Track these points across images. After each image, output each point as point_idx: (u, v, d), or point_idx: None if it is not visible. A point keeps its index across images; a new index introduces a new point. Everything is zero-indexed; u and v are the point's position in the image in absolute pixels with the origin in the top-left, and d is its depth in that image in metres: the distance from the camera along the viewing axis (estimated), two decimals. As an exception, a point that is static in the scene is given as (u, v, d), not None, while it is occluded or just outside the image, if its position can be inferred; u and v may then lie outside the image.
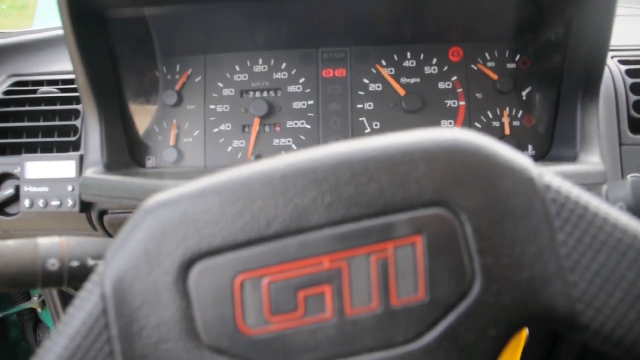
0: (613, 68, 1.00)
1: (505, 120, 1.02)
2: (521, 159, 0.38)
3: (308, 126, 1.05)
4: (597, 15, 0.83)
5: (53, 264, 0.57)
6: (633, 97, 0.97)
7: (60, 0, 0.83)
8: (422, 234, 0.36)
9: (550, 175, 0.38)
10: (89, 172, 0.91)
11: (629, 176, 0.94)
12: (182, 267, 0.36)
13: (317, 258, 0.36)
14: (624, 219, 0.38)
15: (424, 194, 0.37)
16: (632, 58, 1.02)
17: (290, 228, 0.36)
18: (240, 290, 0.36)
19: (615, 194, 0.61)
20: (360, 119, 1.04)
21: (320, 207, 0.37)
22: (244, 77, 1.07)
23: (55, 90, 1.12)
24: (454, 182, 0.37)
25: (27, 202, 0.99)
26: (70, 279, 0.58)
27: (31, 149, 1.06)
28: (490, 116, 1.03)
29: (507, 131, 1.01)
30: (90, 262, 0.58)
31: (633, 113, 0.96)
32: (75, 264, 0.57)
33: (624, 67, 1.00)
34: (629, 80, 0.98)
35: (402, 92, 1.04)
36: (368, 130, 1.04)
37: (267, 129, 1.06)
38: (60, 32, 1.31)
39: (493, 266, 0.36)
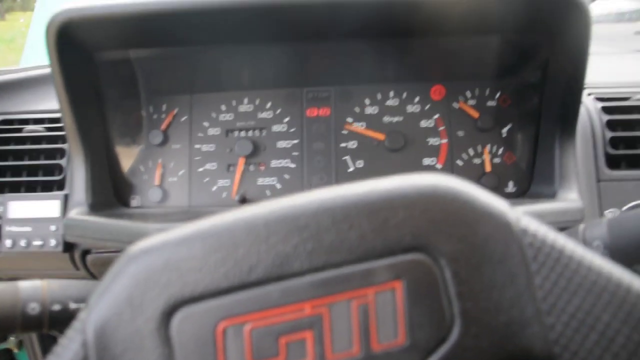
0: (589, 105, 1.03)
1: (486, 157, 1.04)
2: (498, 204, 0.39)
3: (292, 165, 1.06)
4: (571, 57, 0.86)
5: (34, 308, 0.56)
6: (609, 134, 0.99)
7: (49, 42, 0.84)
8: (401, 279, 0.37)
9: (527, 220, 0.39)
10: (73, 213, 0.91)
11: (606, 212, 0.95)
12: (165, 314, 0.36)
13: (299, 304, 0.37)
14: (598, 262, 0.39)
15: (404, 240, 0.38)
16: (607, 95, 1.05)
17: (272, 275, 0.37)
18: (223, 336, 0.36)
19: (592, 232, 0.63)
20: (344, 157, 1.05)
21: (302, 254, 0.37)
22: (230, 116, 1.08)
23: (42, 128, 1.12)
24: (433, 228, 0.38)
25: (8, 242, 0.98)
26: (51, 323, 0.58)
27: (15, 187, 1.05)
28: (472, 154, 1.04)
29: (488, 168, 1.03)
30: (73, 305, 0.58)
31: (609, 149, 0.98)
32: (56, 307, 0.57)
33: (600, 104, 1.03)
34: (605, 117, 1.00)
35: (381, 137, 1.05)
36: (351, 168, 1.05)
37: (251, 168, 1.07)
38: (47, 70, 1.33)
39: (472, 310, 0.37)
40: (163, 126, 1.08)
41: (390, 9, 0.86)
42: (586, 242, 0.62)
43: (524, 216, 0.40)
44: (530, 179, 1.00)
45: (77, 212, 0.91)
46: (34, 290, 0.57)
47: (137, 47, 0.98)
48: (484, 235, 0.38)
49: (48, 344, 1.43)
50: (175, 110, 1.08)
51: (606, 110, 1.02)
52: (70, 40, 0.86)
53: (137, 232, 0.78)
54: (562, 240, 0.39)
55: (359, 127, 1.07)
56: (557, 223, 0.80)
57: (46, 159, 1.07)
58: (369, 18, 0.89)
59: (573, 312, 0.37)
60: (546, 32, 0.89)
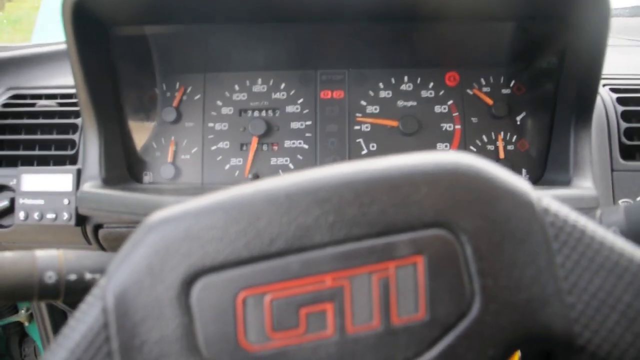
0: (605, 96, 1.02)
1: (500, 144, 1.03)
2: (520, 183, 0.39)
3: (305, 146, 1.06)
4: (589, 44, 0.85)
5: (50, 277, 0.56)
6: (624, 125, 0.98)
7: (64, 17, 0.84)
8: (423, 254, 0.37)
9: (549, 199, 0.39)
10: (86, 186, 0.91)
11: (620, 201, 0.95)
12: (185, 283, 0.36)
13: (320, 276, 0.37)
14: (620, 243, 0.39)
15: (425, 216, 0.38)
16: (622, 87, 1.05)
17: (293, 246, 0.37)
18: (243, 306, 0.36)
19: (609, 218, 0.62)
20: (357, 140, 1.05)
21: (324, 227, 0.37)
22: (243, 96, 1.08)
23: (54, 103, 1.12)
24: (455, 205, 0.38)
25: (22, 215, 0.98)
26: (67, 292, 0.58)
27: (28, 161, 1.06)
28: (485, 140, 1.04)
29: (501, 155, 1.03)
30: (88, 275, 0.58)
31: (624, 140, 0.98)
32: (72, 277, 0.57)
33: (615, 95, 1.02)
34: (620, 108, 1.00)
35: (394, 124, 1.05)
36: (365, 151, 1.05)
37: (264, 148, 1.07)
38: (59, 47, 1.33)
39: (492, 287, 0.37)
40: (175, 103, 1.08)
41: None
42: None
43: (545, 196, 0.40)
44: (543, 166, 0.99)
45: (91, 186, 0.91)
46: (50, 260, 0.57)
47: (152, 23, 0.98)
48: (506, 213, 0.38)
49: (58, 318, 1.44)
50: (189, 88, 1.08)
51: (621, 101, 1.01)
52: (85, 14, 0.86)
53: (152, 205, 0.78)
54: (583, 221, 0.39)
55: (371, 116, 1.06)
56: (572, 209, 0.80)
57: (59, 133, 1.07)
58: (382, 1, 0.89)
59: (594, 292, 0.37)
60: (564, 21, 0.88)
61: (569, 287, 0.37)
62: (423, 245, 0.37)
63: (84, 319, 0.37)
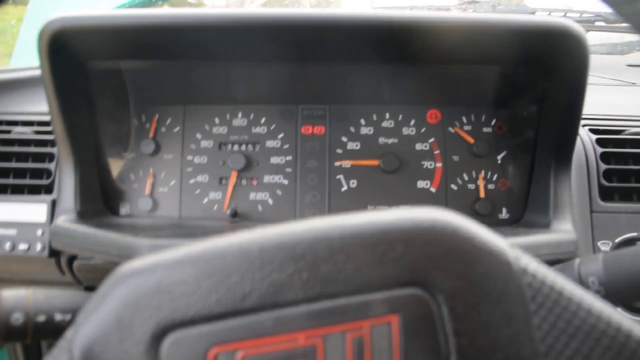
0: (584, 137, 1.03)
1: (481, 183, 1.04)
2: (498, 242, 0.39)
3: (285, 182, 1.05)
4: (568, 91, 0.86)
5: (17, 319, 0.55)
6: (603, 166, 0.99)
7: (41, 49, 0.83)
8: (398, 313, 0.36)
9: (527, 259, 0.39)
10: (61, 220, 0.89)
11: (599, 243, 0.95)
12: (155, 337, 0.35)
13: (293, 334, 0.36)
14: (598, 305, 0.38)
15: (401, 275, 0.37)
16: (602, 127, 1.06)
17: (266, 303, 0.36)
18: None
19: (587, 268, 0.62)
20: (338, 177, 1.05)
21: (297, 284, 0.36)
22: (223, 129, 1.07)
23: (30, 131, 1.10)
24: (431, 264, 0.37)
25: (-7, 245, 0.96)
26: (34, 334, 0.56)
27: (2, 190, 1.03)
28: (466, 178, 1.04)
29: (482, 194, 1.03)
30: (58, 317, 0.56)
31: (603, 181, 0.98)
32: (41, 318, 0.56)
33: (594, 137, 1.03)
34: (599, 150, 1.01)
35: (375, 163, 1.05)
36: (345, 188, 1.04)
37: (244, 182, 1.05)
38: (38, 72, 1.30)
39: (467, 347, 0.36)
40: (151, 134, 1.06)
41: (388, 37, 0.87)
42: (581, 278, 0.62)
43: (523, 255, 0.40)
44: (524, 206, 1.00)
45: (65, 220, 0.89)
46: (17, 300, 0.55)
47: (130, 58, 0.97)
48: (483, 273, 0.38)
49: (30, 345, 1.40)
50: (168, 120, 1.07)
51: (600, 142, 1.02)
52: (62, 48, 0.85)
53: (126, 246, 0.77)
54: (561, 282, 0.39)
55: (352, 154, 1.06)
56: (551, 255, 0.80)
57: (34, 161, 1.05)
58: (366, 44, 0.89)
59: (571, 355, 0.36)
60: (544, 64, 0.89)
61: (546, 349, 0.37)
62: (398, 304, 0.37)
63: None
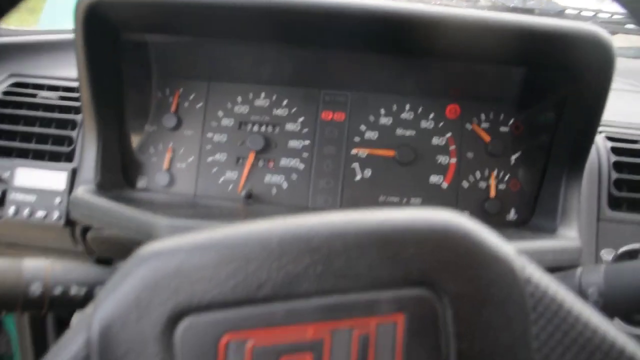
0: (599, 143, 1.04)
1: (492, 182, 1.04)
2: (506, 250, 0.40)
3: (301, 166, 1.06)
4: (589, 99, 0.86)
5: (35, 290, 0.57)
6: (615, 175, 1.00)
7: (76, 20, 0.84)
8: (404, 312, 0.38)
9: (532, 269, 0.40)
10: (80, 191, 0.91)
11: (602, 251, 0.96)
12: (171, 320, 0.37)
13: (302, 326, 0.38)
14: (596, 319, 0.40)
15: (411, 275, 0.39)
16: (618, 135, 1.06)
17: (280, 293, 0.38)
18: (225, 351, 0.37)
19: (588, 278, 0.64)
20: (353, 165, 1.06)
21: (312, 276, 0.38)
22: (245, 109, 1.08)
23: (55, 96, 1.12)
24: (441, 267, 0.39)
25: (12, 210, 0.98)
26: (50, 305, 0.58)
27: (23, 154, 1.05)
28: (478, 177, 1.05)
29: (492, 193, 1.04)
30: (74, 289, 0.59)
31: (613, 190, 0.99)
32: (58, 290, 0.58)
33: (610, 144, 1.03)
34: (613, 158, 1.01)
35: (390, 154, 1.06)
36: (358, 177, 1.06)
37: (260, 163, 1.07)
38: (66, 36, 1.32)
39: (467, 351, 0.38)
40: (173, 108, 1.08)
41: (408, 31, 0.87)
42: (581, 287, 0.63)
43: (529, 264, 0.41)
44: (532, 209, 1.01)
45: (84, 191, 0.91)
46: (37, 271, 0.58)
47: (162, 32, 0.98)
48: (489, 279, 0.39)
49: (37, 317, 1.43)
50: (192, 96, 1.08)
51: (615, 151, 1.02)
52: (97, 19, 0.86)
53: (146, 223, 0.78)
54: (562, 293, 0.40)
55: (369, 143, 1.07)
56: (554, 262, 0.81)
57: (57, 128, 1.07)
58: (388, 37, 0.90)
59: None
60: (569, 70, 0.89)
61: (541, 358, 0.38)
62: (405, 303, 0.38)
63: (68, 348, 0.37)
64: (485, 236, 0.41)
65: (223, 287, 0.38)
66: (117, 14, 0.88)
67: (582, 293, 0.63)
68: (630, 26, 1.64)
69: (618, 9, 1.67)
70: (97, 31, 0.88)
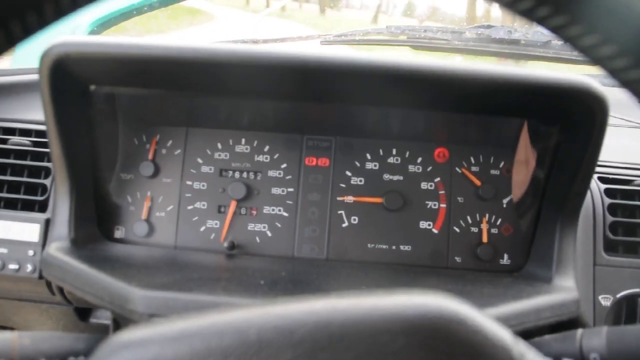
0: (593, 185, 1.01)
1: (484, 227, 1.01)
2: (503, 338, 0.37)
3: (285, 214, 1.03)
4: (583, 147, 0.84)
5: None
6: (610, 218, 0.97)
7: (42, 73, 0.81)
8: None
9: (531, 356, 0.37)
10: (53, 248, 0.86)
11: (600, 297, 0.93)
12: None
13: None
14: None
15: None
16: (611, 176, 1.03)
17: None
18: None
19: (589, 342, 0.60)
20: (339, 212, 1.03)
21: None
22: (225, 155, 1.05)
23: (28, 142, 1.07)
24: (434, 358, 0.36)
25: (-19, 263, 0.94)
26: None
27: (-6, 202, 1.01)
28: (470, 221, 1.02)
29: (484, 239, 1.01)
30: None
31: (609, 234, 0.96)
32: None
33: (603, 186, 1.01)
34: (607, 201, 0.98)
35: (378, 201, 1.03)
36: (346, 224, 1.02)
37: (243, 211, 1.03)
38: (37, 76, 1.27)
39: None
40: (150, 156, 1.04)
41: (404, 85, 0.85)
42: (583, 352, 0.60)
43: (527, 351, 0.38)
44: (526, 254, 0.98)
45: (57, 248, 0.86)
46: (3, 344, 0.54)
47: (133, 86, 0.95)
48: None
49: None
50: (169, 142, 1.04)
51: (608, 193, 1.00)
52: (63, 73, 0.83)
53: (119, 294, 0.73)
54: None
55: (355, 190, 1.04)
56: (552, 317, 0.78)
57: (30, 176, 1.03)
58: (380, 91, 0.88)
59: None
60: (561, 119, 0.88)
61: None
62: None
63: None
64: (480, 323, 0.37)
65: None
66: (84, 69, 0.85)
67: (583, 359, 0.60)
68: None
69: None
70: (64, 84, 0.84)
